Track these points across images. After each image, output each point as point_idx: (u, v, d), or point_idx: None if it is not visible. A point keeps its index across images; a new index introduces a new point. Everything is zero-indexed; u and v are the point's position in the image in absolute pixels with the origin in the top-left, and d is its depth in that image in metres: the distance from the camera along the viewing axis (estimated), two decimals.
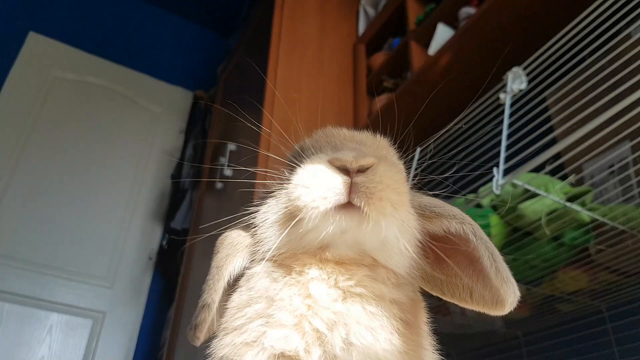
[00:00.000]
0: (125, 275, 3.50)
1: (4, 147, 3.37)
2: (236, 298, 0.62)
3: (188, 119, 4.18)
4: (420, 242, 0.65)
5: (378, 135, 0.73)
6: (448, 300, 0.67)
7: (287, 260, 0.61)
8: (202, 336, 0.65)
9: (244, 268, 0.67)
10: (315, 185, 0.56)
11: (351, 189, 0.55)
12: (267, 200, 0.66)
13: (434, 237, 0.66)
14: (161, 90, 4.16)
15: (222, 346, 0.57)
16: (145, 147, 3.93)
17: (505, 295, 0.60)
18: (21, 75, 3.62)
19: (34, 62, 3.70)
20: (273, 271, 0.61)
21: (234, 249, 0.67)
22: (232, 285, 0.67)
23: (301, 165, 0.60)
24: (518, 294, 0.61)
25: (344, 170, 0.56)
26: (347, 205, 0.55)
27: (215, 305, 0.64)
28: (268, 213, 0.64)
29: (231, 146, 2.75)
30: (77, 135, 3.65)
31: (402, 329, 0.58)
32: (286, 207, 0.59)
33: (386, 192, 0.56)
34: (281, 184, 0.64)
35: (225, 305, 0.65)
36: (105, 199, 3.60)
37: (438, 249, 0.65)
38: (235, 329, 0.58)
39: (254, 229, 0.67)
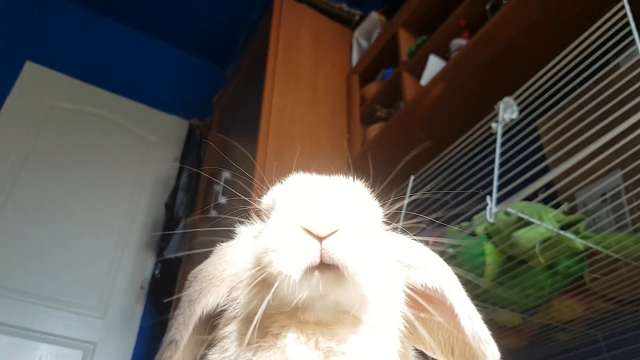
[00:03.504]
0: (116, 305, 3.44)
1: None
2: (211, 358, 0.59)
3: (183, 148, 4.19)
4: (405, 293, 0.62)
5: (352, 179, 0.67)
6: (431, 356, 0.65)
7: (262, 321, 0.56)
8: None
9: (219, 305, 0.62)
10: (286, 251, 0.52)
11: (322, 251, 0.52)
12: (237, 243, 0.64)
13: (416, 288, 0.64)
14: (157, 119, 4.19)
15: None
16: (139, 175, 3.92)
17: (483, 357, 0.60)
18: (17, 104, 3.63)
19: (31, 91, 3.72)
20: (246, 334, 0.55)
21: (209, 283, 0.62)
22: (208, 320, 0.63)
23: (270, 221, 0.57)
24: (497, 355, 0.60)
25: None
26: (321, 266, 0.52)
27: (183, 343, 0.59)
28: (238, 267, 0.60)
29: (226, 174, 2.75)
30: (72, 164, 3.64)
31: None
32: (257, 270, 0.55)
33: (360, 249, 0.53)
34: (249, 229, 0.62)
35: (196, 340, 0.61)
36: (98, 228, 3.56)
37: (421, 298, 0.62)
38: None
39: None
